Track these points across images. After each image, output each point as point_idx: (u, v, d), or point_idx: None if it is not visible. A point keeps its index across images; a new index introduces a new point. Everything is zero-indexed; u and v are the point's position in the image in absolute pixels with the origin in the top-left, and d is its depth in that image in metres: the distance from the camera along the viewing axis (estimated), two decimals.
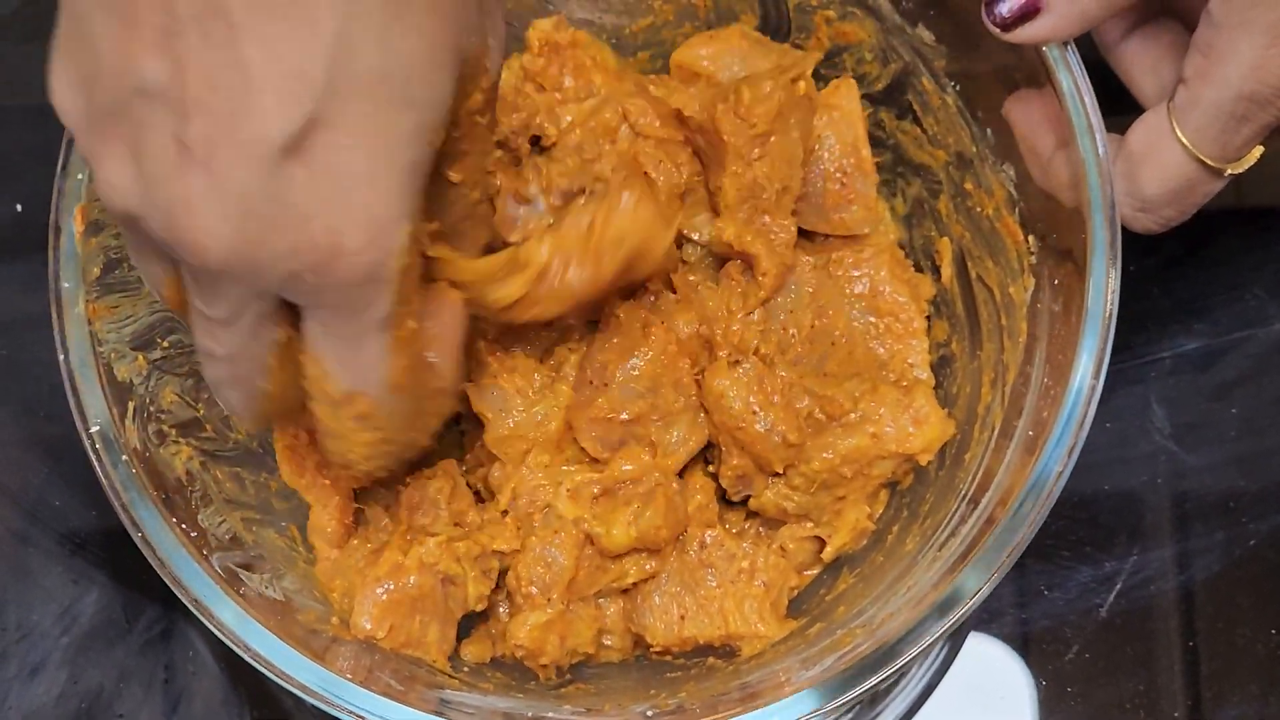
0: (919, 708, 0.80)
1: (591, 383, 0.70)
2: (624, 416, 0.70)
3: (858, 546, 0.72)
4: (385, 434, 0.60)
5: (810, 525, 0.72)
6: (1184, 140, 0.66)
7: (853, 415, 0.70)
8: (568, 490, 0.70)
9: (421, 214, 0.55)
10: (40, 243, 0.65)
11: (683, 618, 0.70)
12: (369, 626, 0.67)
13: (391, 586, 0.67)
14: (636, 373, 0.70)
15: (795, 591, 0.73)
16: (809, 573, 0.74)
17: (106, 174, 0.52)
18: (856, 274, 0.73)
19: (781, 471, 0.70)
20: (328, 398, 0.58)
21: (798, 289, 0.73)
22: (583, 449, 0.71)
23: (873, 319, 0.74)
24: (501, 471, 0.71)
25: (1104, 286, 0.63)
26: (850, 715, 0.80)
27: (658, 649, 0.71)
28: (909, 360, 0.74)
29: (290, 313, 0.56)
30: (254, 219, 0.51)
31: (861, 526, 0.72)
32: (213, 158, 0.50)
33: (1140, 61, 0.70)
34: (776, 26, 0.77)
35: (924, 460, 0.70)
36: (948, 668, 0.80)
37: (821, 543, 0.73)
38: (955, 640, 0.80)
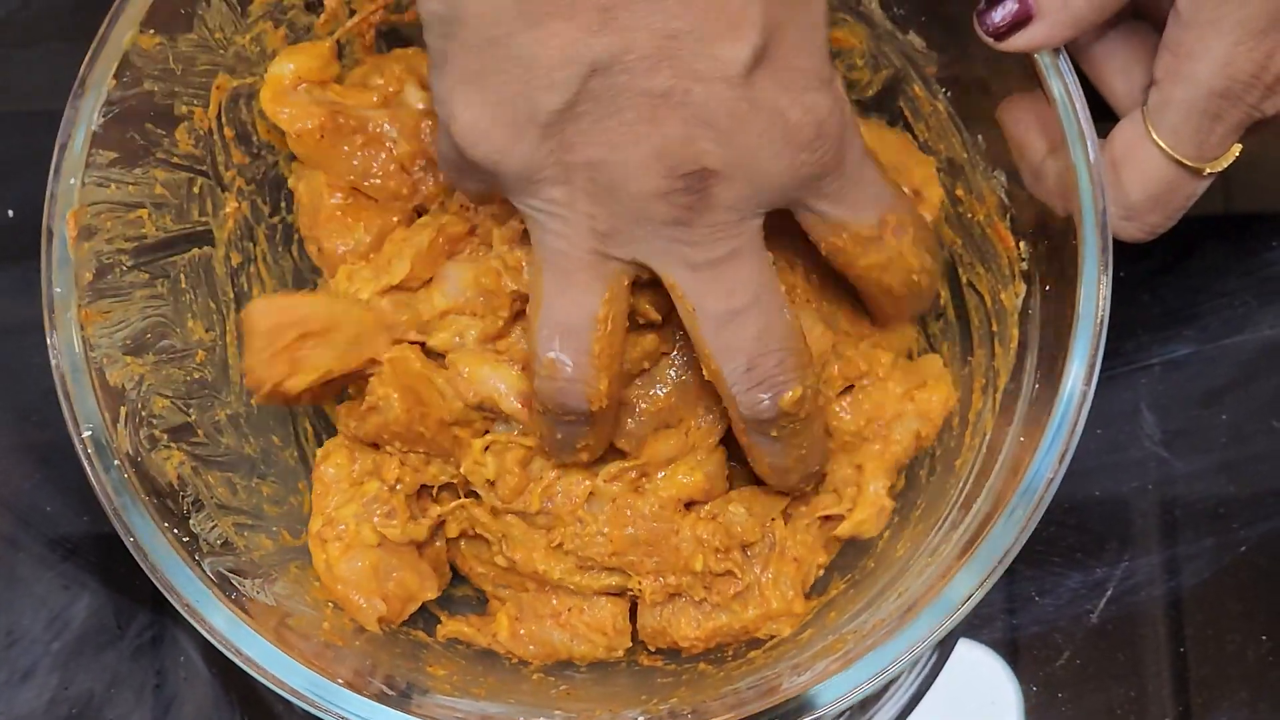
0: (908, 714, 0.80)
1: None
2: (657, 402, 0.69)
3: (876, 529, 0.72)
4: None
5: (834, 495, 0.72)
6: (1160, 143, 0.66)
7: (866, 381, 0.70)
8: (605, 478, 0.69)
9: None
10: (32, 249, 0.65)
11: (711, 608, 0.70)
12: (366, 606, 0.68)
13: (359, 563, 0.69)
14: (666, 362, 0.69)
15: (821, 570, 0.73)
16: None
17: (581, 156, 0.57)
18: None
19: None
20: (861, 242, 0.64)
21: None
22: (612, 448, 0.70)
23: None
24: (521, 472, 0.70)
25: (1095, 293, 0.63)
26: None
27: (687, 648, 0.71)
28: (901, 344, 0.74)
29: None
30: (744, 132, 0.57)
31: (880, 503, 0.71)
32: (690, 96, 0.55)
33: (1110, 63, 0.70)
34: None
35: (936, 424, 0.70)
36: (937, 674, 0.80)
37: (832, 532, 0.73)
38: (945, 646, 0.80)
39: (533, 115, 0.56)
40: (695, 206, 0.58)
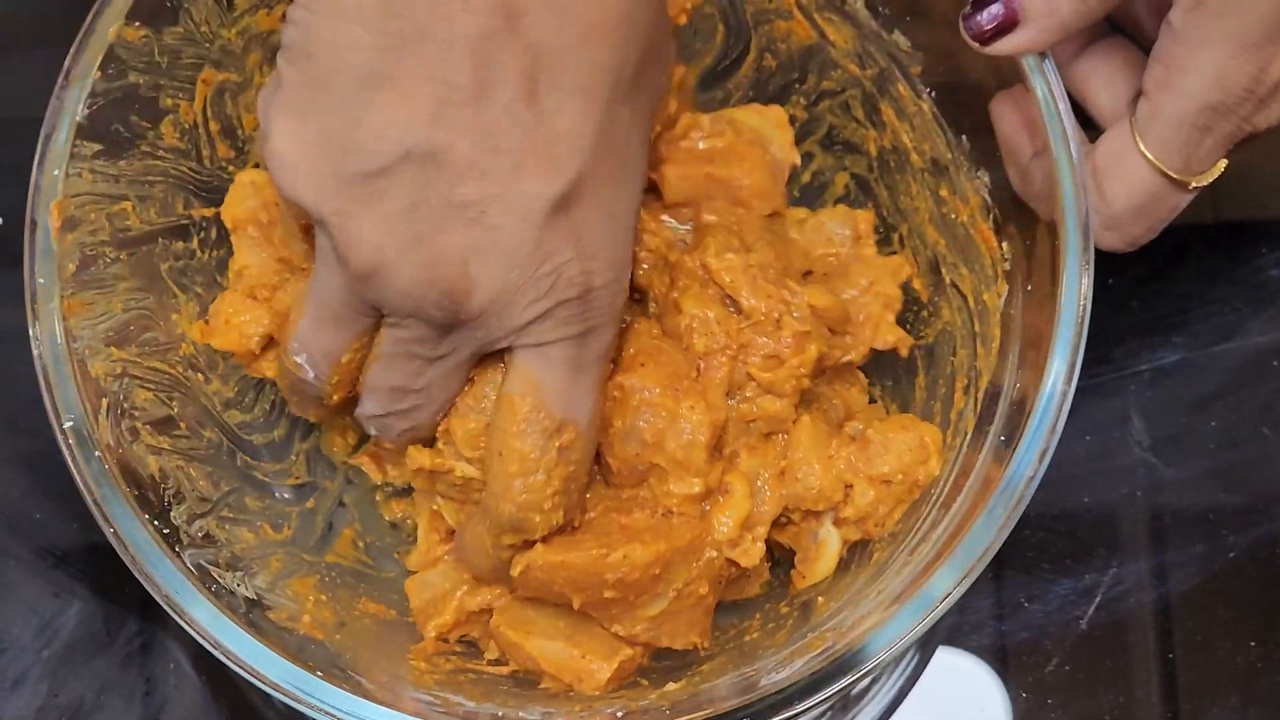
0: (889, 716, 0.80)
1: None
2: None
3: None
4: (575, 472, 0.63)
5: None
6: (1147, 153, 0.66)
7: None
8: None
9: None
10: (19, 257, 0.65)
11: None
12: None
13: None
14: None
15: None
16: None
17: (359, 230, 0.57)
18: None
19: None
20: (538, 429, 0.62)
21: None
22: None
23: None
24: None
25: (1076, 291, 0.63)
26: None
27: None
28: None
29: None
30: (517, 270, 0.58)
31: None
32: (485, 215, 0.56)
33: (1094, 79, 0.70)
34: (737, 30, 0.78)
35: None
36: (919, 676, 0.80)
37: None
38: (927, 648, 0.80)
39: (337, 169, 0.57)
40: (447, 313, 0.59)
